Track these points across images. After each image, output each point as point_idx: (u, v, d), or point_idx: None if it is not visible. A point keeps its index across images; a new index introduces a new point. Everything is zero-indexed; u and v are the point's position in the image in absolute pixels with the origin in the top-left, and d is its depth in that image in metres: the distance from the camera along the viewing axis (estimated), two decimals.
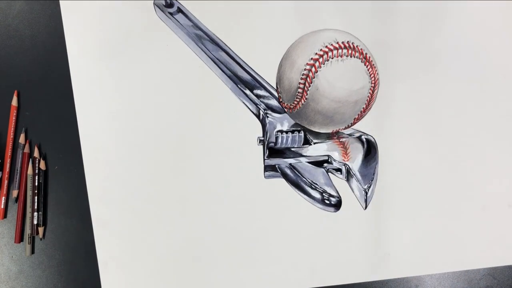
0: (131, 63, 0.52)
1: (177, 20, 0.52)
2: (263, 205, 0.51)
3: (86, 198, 0.50)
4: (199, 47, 0.51)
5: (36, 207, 0.50)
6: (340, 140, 0.51)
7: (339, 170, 0.51)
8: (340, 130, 0.51)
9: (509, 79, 0.52)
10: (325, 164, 0.51)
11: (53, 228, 0.51)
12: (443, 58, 0.52)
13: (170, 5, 0.52)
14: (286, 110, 0.51)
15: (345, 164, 0.51)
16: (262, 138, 0.51)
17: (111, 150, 0.51)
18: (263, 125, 0.51)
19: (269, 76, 0.52)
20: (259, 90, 0.51)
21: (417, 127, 0.52)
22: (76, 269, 0.51)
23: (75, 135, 0.51)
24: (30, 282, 0.51)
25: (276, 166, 0.51)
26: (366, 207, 0.51)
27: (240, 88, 0.51)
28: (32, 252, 0.51)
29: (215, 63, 0.51)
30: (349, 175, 0.51)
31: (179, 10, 0.52)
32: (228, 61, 0.51)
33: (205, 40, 0.52)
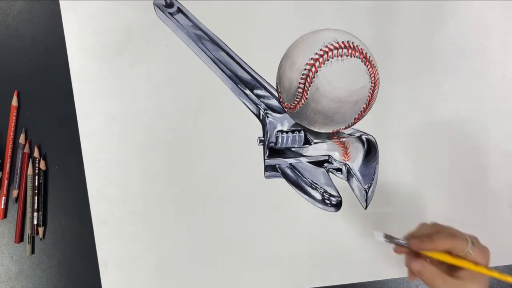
0: (131, 63, 0.51)
1: (177, 20, 0.52)
2: (263, 205, 0.51)
3: (86, 198, 0.50)
4: (199, 47, 0.51)
5: (36, 207, 0.50)
6: (341, 140, 0.51)
7: (339, 170, 0.51)
8: (340, 130, 0.51)
9: (509, 79, 0.52)
10: (326, 164, 0.51)
11: (53, 228, 0.51)
12: (443, 58, 0.52)
13: (170, 5, 0.52)
14: (286, 110, 0.51)
15: (345, 164, 0.51)
16: (262, 138, 0.51)
17: (111, 150, 0.51)
18: (263, 125, 0.51)
19: (269, 76, 0.51)
20: (259, 90, 0.51)
21: (417, 127, 0.52)
22: (76, 269, 0.50)
23: (75, 135, 0.51)
24: (30, 282, 0.50)
25: (277, 166, 0.51)
26: (366, 207, 0.51)
27: (240, 88, 0.51)
28: (32, 252, 0.50)
29: (215, 63, 0.51)
30: (349, 175, 0.51)
31: (179, 10, 0.52)
32: (228, 61, 0.51)
33: (205, 40, 0.52)
